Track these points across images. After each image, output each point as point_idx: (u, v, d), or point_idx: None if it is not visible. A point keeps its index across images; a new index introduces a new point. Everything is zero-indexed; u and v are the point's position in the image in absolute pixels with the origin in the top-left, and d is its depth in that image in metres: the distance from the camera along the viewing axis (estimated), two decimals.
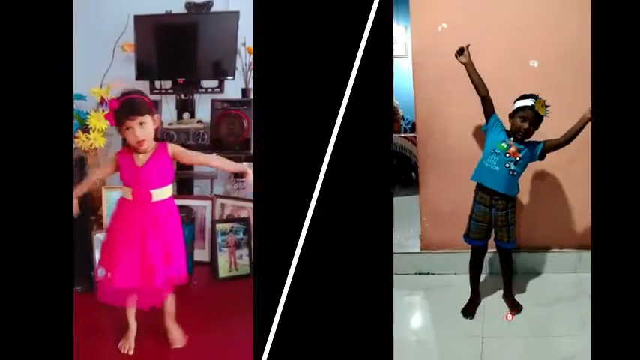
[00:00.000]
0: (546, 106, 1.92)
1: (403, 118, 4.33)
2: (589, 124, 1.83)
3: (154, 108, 1.74)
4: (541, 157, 1.99)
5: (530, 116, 1.91)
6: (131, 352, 1.82)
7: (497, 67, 2.23)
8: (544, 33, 2.27)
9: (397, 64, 4.13)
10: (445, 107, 2.34)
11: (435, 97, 2.36)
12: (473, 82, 1.99)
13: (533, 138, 1.98)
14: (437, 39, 2.32)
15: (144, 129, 1.67)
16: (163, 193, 1.76)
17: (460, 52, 1.99)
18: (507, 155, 1.94)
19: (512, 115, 1.98)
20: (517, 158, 1.95)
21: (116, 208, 1.81)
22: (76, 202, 1.75)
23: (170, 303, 1.88)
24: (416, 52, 2.40)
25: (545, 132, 1.99)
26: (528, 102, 1.92)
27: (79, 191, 1.80)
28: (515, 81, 2.18)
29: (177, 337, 1.87)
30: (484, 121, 2.04)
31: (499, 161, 1.95)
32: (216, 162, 1.90)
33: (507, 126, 2.00)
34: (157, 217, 1.74)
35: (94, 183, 1.98)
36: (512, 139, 1.96)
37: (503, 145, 1.95)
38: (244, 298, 1.77)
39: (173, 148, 1.77)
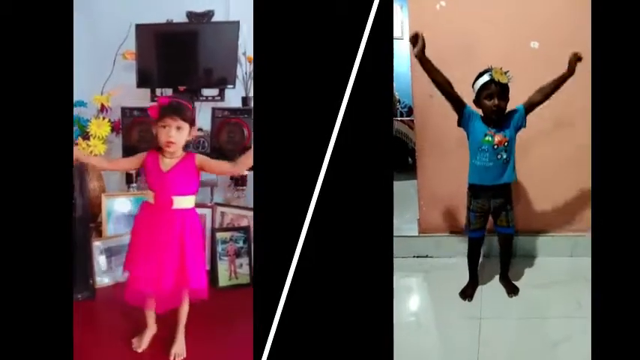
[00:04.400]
0: (505, 72, 1.83)
1: (399, 102, 4.13)
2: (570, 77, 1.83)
3: (195, 121, 1.78)
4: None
5: (495, 90, 1.83)
6: (140, 351, 1.83)
7: (496, 47, 2.18)
8: (546, 13, 2.19)
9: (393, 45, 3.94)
10: None
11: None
12: (433, 79, 1.83)
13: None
14: (435, 18, 2.22)
15: (179, 133, 1.70)
16: (185, 201, 1.75)
17: (414, 39, 1.77)
18: (495, 147, 1.88)
19: (477, 100, 1.89)
20: (505, 144, 1.89)
21: (139, 211, 1.83)
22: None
23: (183, 314, 1.86)
24: (414, 31, 2.33)
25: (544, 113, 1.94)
26: (486, 77, 1.84)
27: (91, 161, 2.03)
28: (515, 62, 2.07)
29: (180, 351, 1.84)
30: None
31: (490, 156, 1.89)
32: (240, 169, 1.87)
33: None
34: (175, 225, 1.73)
35: (108, 167, 2.17)
36: (492, 126, 1.88)
37: (487, 139, 1.88)
38: (244, 307, 1.76)
39: (200, 159, 1.77)
